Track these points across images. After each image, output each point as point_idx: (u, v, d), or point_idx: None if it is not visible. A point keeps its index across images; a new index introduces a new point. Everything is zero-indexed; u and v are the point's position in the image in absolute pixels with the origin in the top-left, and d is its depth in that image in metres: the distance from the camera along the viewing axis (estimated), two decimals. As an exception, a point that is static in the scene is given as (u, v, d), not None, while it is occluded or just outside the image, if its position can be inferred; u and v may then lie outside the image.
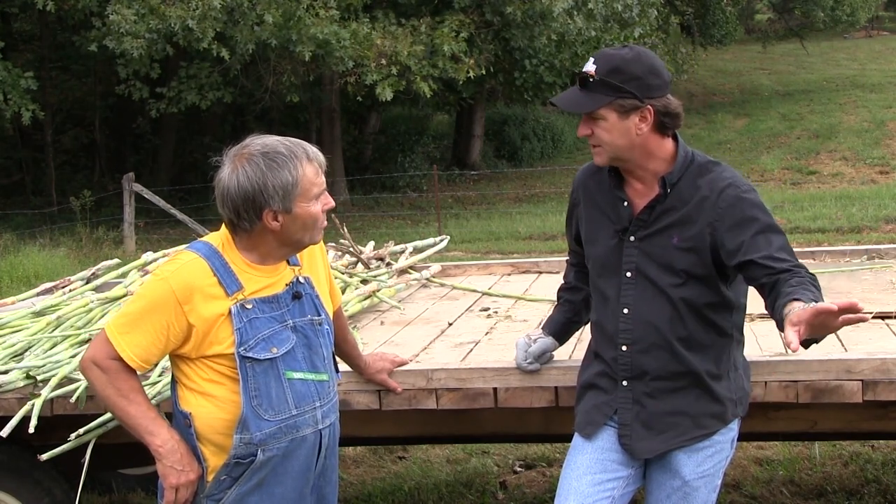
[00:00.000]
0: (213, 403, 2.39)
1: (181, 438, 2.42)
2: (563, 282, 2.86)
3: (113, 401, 2.40)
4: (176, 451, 2.39)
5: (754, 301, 2.54)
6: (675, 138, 2.47)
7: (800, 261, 2.33)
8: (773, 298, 2.26)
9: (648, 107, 2.38)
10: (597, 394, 2.58)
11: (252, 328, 2.37)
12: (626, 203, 2.49)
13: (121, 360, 2.37)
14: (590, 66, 2.40)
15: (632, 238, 2.48)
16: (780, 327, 2.19)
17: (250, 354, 2.36)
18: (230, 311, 2.36)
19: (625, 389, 2.51)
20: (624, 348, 2.49)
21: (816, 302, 2.13)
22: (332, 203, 2.43)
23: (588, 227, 2.59)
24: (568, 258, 2.86)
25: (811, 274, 2.29)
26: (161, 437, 2.39)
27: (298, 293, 2.47)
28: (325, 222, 2.45)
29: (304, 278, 2.50)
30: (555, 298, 2.92)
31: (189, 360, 2.40)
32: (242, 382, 2.36)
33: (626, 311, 2.48)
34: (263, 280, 2.42)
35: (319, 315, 2.50)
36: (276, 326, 2.41)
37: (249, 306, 2.38)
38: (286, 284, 2.46)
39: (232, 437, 2.38)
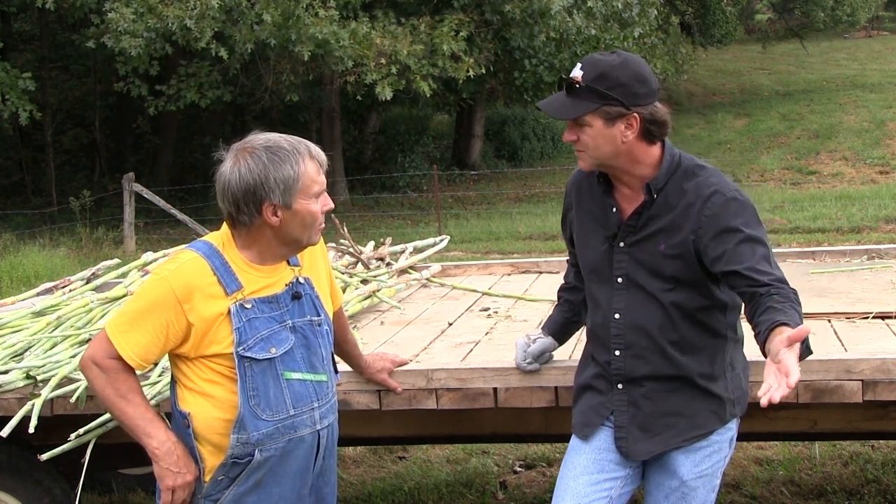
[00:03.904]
0: (211, 403, 2.39)
1: (178, 440, 2.41)
2: (563, 282, 2.86)
3: (111, 401, 2.40)
4: (172, 453, 2.39)
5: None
6: (661, 143, 2.45)
7: (781, 273, 2.31)
8: (755, 311, 2.23)
9: (635, 114, 2.36)
10: (593, 395, 2.58)
11: (251, 328, 2.37)
12: (614, 209, 2.49)
13: (120, 359, 2.37)
14: (576, 73, 2.39)
15: (621, 244, 2.47)
16: (763, 347, 2.16)
17: (249, 354, 2.36)
18: (229, 311, 2.36)
19: (620, 392, 2.51)
20: (617, 353, 2.49)
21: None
22: (331, 205, 2.43)
23: (580, 232, 2.60)
24: (568, 258, 2.86)
25: (793, 289, 2.27)
26: (158, 439, 2.39)
27: (298, 293, 2.46)
28: (324, 224, 2.45)
29: (304, 279, 2.50)
30: (555, 298, 2.93)
31: (188, 359, 2.40)
32: (240, 382, 2.36)
33: (617, 316, 2.48)
34: (263, 280, 2.42)
35: (319, 315, 2.50)
36: (276, 326, 2.41)
37: (249, 306, 2.38)
38: (286, 284, 2.45)
39: (230, 437, 2.38)
